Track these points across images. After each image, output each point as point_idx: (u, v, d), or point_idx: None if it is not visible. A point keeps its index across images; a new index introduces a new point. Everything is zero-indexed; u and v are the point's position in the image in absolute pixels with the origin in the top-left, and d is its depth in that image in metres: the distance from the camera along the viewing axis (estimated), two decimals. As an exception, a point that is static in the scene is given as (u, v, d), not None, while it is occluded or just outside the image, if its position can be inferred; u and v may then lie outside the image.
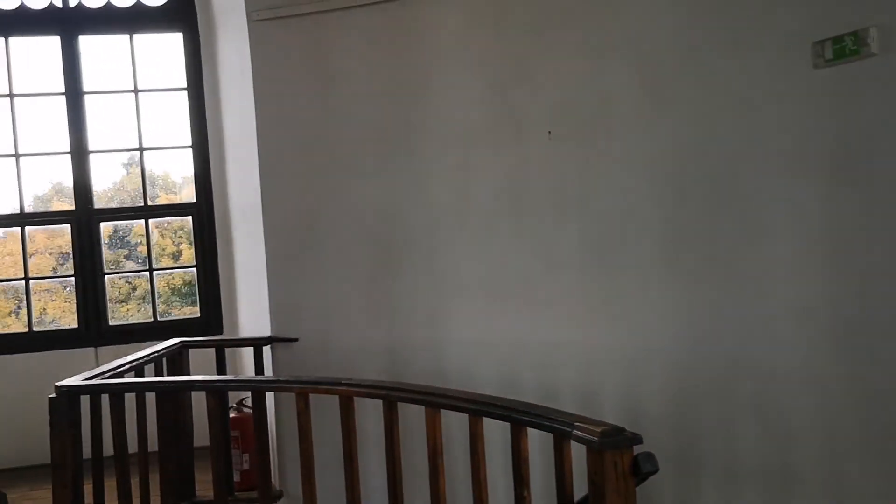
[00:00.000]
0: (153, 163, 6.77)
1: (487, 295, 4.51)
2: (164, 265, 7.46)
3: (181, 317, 6.36)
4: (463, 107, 4.55)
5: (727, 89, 3.55)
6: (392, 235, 4.80)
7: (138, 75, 6.07)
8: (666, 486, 3.59)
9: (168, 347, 4.67)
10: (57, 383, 3.59)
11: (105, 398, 3.72)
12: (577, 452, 2.41)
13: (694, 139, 3.68)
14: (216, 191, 6.15)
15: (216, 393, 3.63)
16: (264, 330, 5.06)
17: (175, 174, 7.23)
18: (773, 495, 3.41)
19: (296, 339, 4.87)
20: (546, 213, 4.29)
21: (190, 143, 6.14)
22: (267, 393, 3.87)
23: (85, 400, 3.67)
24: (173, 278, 8.02)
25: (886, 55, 2.97)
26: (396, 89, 4.75)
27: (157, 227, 7.30)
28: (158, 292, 6.56)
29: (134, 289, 8.05)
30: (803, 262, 3.31)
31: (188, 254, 6.68)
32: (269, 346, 4.93)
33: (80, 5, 6.03)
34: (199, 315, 6.22)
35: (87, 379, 3.69)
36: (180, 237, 7.82)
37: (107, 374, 3.86)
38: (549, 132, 4.22)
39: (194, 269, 6.22)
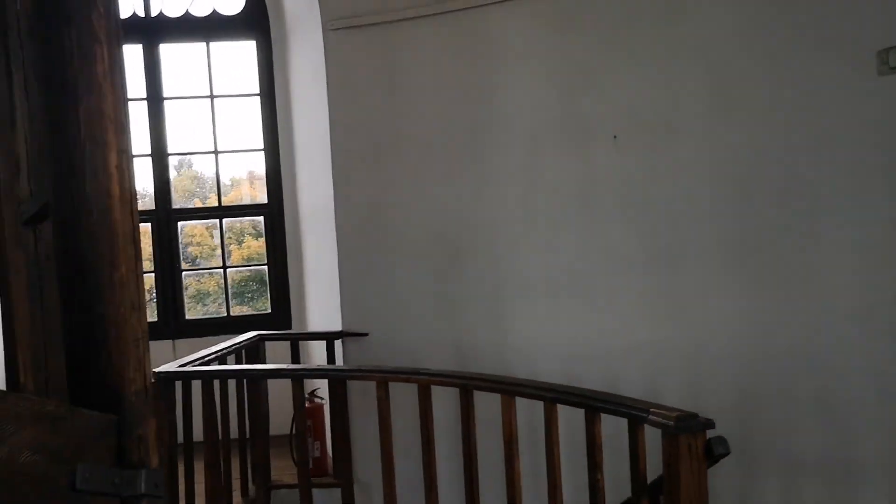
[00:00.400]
0: (203, 165, 7.02)
1: (552, 295, 4.66)
2: (213, 265, 7.66)
3: (251, 312, 6.64)
4: (530, 111, 4.72)
5: (793, 95, 3.67)
6: (459, 235, 4.98)
7: (214, 81, 6.38)
8: (729, 479, 3.72)
9: (247, 340, 4.96)
10: (154, 369, 3.86)
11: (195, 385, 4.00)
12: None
13: (759, 143, 3.80)
14: (286, 192, 6.43)
15: (300, 381, 3.87)
16: (334, 325, 5.29)
17: (225, 176, 7.47)
18: (835, 488, 3.51)
19: (366, 334, 5.09)
20: (611, 215, 4.44)
21: (262, 146, 6.42)
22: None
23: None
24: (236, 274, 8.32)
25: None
26: (465, 94, 4.95)
27: (207, 228, 7.49)
28: (219, 289, 6.84)
29: (186, 287, 8.38)
30: (866, 262, 3.41)
31: (237, 254, 6.94)
32: (339, 341, 5.16)
33: (160, 15, 6.36)
34: (269, 311, 6.49)
35: (180, 366, 3.96)
36: (229, 238, 8.05)
37: (196, 363, 4.14)
38: (615, 136, 4.37)
39: (265, 266, 6.50)
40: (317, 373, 4.01)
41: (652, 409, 2.51)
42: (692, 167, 4.08)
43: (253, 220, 6.83)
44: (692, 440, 2.37)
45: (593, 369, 4.37)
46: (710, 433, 2.41)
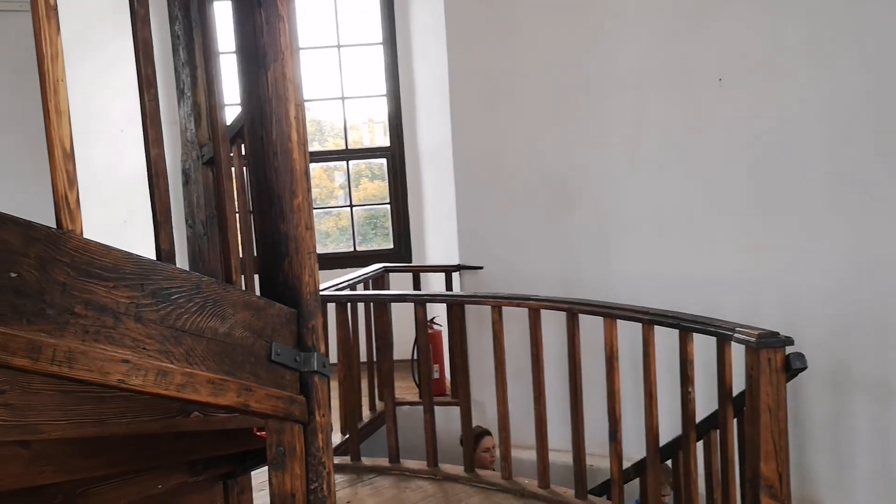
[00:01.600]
0: (320, 112, 7.45)
1: (656, 231, 4.93)
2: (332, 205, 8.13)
3: (377, 248, 7.14)
4: (637, 55, 4.93)
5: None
6: (569, 176, 5.29)
7: (339, 30, 6.84)
8: (821, 404, 3.95)
9: (374, 271, 5.47)
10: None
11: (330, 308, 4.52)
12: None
13: (861, 85, 3.91)
14: (406, 135, 6.87)
15: (423, 305, 4.34)
16: (451, 259, 5.74)
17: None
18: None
19: (481, 267, 5.52)
20: (714, 155, 4.63)
21: (384, 92, 6.85)
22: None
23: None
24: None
25: None
26: (575, 41, 5.19)
27: (325, 171, 7.90)
28: (337, 230, 7.38)
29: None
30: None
31: (355, 195, 7.34)
32: (457, 273, 5.61)
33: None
34: (392, 246, 7.01)
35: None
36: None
37: (330, 289, 4.66)
38: (720, 79, 4.54)
39: (388, 205, 7.01)
40: (438, 298, 4.46)
41: (738, 328, 2.80)
42: (795, 109, 4.21)
43: (370, 164, 7.30)
44: (772, 354, 2.66)
45: (691, 300, 4.59)
46: (789, 350, 2.69)
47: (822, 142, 4.16)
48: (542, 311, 3.85)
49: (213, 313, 1.57)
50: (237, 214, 2.15)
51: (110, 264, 1.31)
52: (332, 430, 1.85)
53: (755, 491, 2.71)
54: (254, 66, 1.86)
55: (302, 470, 1.72)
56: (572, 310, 3.67)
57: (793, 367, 2.68)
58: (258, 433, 1.93)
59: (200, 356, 1.51)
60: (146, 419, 1.75)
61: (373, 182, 7.41)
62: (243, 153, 2.29)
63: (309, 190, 1.92)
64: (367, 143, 7.19)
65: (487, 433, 4.73)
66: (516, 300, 3.94)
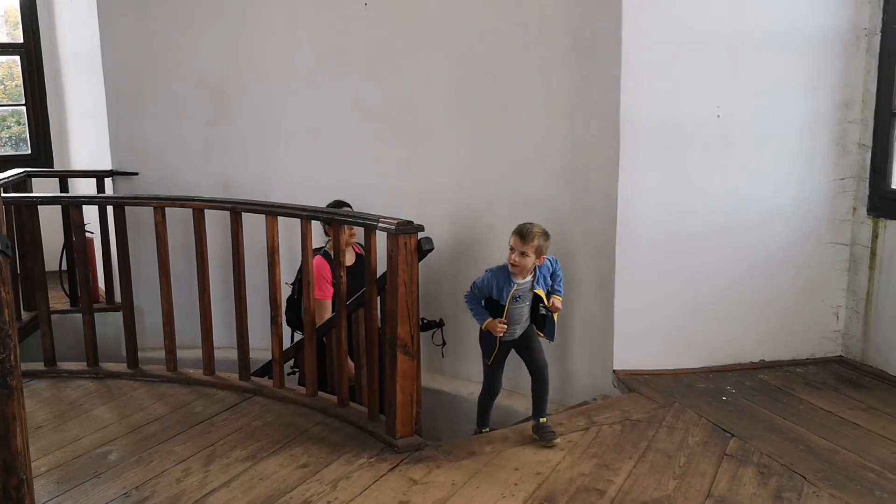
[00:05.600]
0: None
1: (311, 138, 5.32)
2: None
3: (10, 153, 6.58)
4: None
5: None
6: (227, 83, 5.42)
7: None
8: (448, 276, 4.76)
9: (13, 176, 5.10)
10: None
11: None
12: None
13: (477, 36, 4.65)
14: (44, 32, 6.37)
15: (78, 208, 4.28)
16: (103, 166, 5.57)
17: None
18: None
19: (136, 174, 5.46)
20: (361, 73, 5.13)
21: (14, -18, 6.26)
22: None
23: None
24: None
25: None
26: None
27: None
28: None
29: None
30: (546, 113, 4.45)
31: None
32: (110, 179, 5.49)
33: None
34: (29, 151, 6.53)
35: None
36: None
37: (-31, 192, 4.35)
38: (366, 3, 5.03)
39: (23, 107, 6.48)
40: (96, 200, 4.41)
41: (381, 219, 3.34)
42: (428, 38, 4.87)
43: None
44: (407, 239, 3.24)
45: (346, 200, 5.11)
46: (420, 235, 3.30)
47: (444, 67, 4.88)
48: (206, 212, 4.08)
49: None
50: None
51: None
52: (14, 307, 1.96)
53: (393, 350, 3.32)
54: None
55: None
56: (235, 209, 3.96)
57: (423, 248, 3.31)
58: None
59: None
60: None
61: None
62: None
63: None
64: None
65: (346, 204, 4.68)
66: (179, 201, 4.10)
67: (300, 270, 4.60)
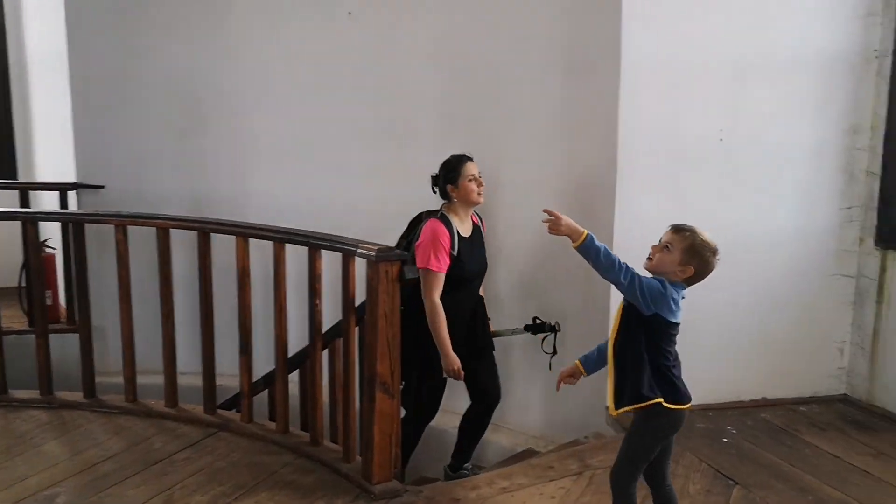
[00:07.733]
0: None
1: (289, 155, 5.04)
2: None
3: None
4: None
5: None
6: (200, 96, 5.12)
7: None
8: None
9: (-31, 187, 4.82)
10: None
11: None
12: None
13: (459, 41, 4.41)
14: (10, 37, 6.09)
15: (35, 224, 3.97)
16: (67, 178, 5.26)
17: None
18: None
19: (102, 186, 5.15)
20: (346, 87, 4.86)
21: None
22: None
23: None
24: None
25: None
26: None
27: None
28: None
29: None
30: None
31: None
32: (74, 192, 5.18)
33: None
34: (-9, 162, 6.23)
35: None
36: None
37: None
38: (350, 13, 4.78)
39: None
40: (54, 216, 4.11)
41: (361, 245, 3.07)
42: (418, 53, 4.62)
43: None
44: (388, 267, 2.97)
45: (324, 224, 4.85)
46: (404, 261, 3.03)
47: (437, 91, 4.63)
48: (172, 231, 3.79)
49: None
50: None
51: None
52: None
53: (371, 388, 3.04)
54: None
55: None
56: (204, 229, 3.68)
57: (406, 276, 3.03)
58: None
59: None
60: None
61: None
62: None
63: None
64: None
65: (469, 159, 3.80)
66: (142, 219, 3.81)
67: (408, 233, 3.87)
